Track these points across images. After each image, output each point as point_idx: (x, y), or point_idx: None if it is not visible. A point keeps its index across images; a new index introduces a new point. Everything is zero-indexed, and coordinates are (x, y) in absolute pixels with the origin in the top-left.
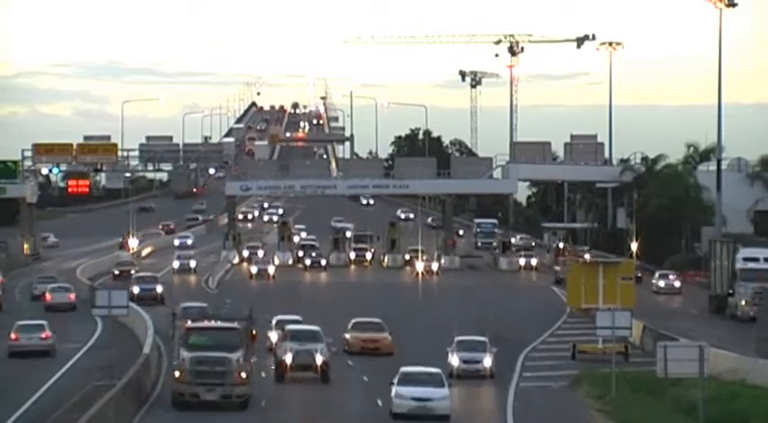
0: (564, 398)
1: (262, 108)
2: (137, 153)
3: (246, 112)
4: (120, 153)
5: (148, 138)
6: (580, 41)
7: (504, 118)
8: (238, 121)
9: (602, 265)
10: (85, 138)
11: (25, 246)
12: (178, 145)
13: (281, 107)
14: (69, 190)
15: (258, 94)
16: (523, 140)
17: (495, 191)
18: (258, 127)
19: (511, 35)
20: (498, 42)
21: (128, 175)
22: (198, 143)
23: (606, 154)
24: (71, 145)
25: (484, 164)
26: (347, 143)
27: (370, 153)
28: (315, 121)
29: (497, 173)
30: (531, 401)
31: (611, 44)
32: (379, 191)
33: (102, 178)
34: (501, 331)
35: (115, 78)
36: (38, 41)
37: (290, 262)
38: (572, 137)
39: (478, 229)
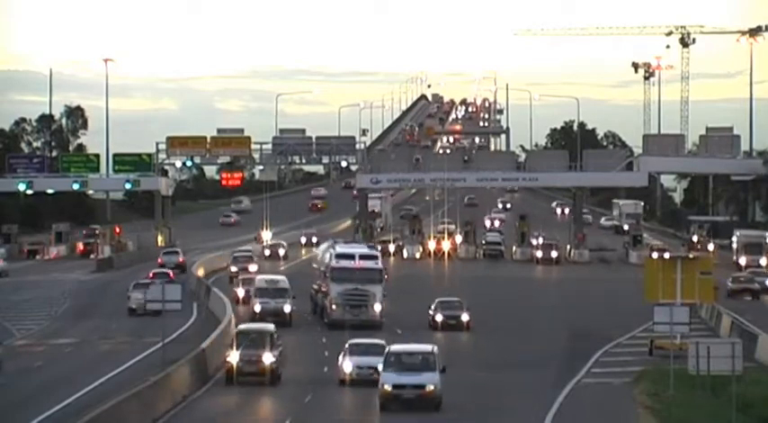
0: (618, 394)
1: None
2: (269, 146)
3: (414, 104)
4: (252, 146)
5: (282, 131)
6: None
7: (672, 111)
8: (404, 113)
9: (680, 259)
10: (219, 131)
11: (159, 238)
12: (311, 138)
13: (445, 100)
14: (222, 182)
15: (429, 86)
16: (655, 133)
17: (625, 184)
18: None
19: (682, 26)
20: (669, 34)
21: (282, 167)
22: (330, 136)
23: (744, 147)
24: (204, 138)
25: (616, 156)
26: (503, 135)
27: (521, 147)
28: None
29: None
30: (582, 397)
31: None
32: (508, 184)
33: (256, 171)
34: (591, 326)
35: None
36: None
37: (418, 256)
38: (707, 129)
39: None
